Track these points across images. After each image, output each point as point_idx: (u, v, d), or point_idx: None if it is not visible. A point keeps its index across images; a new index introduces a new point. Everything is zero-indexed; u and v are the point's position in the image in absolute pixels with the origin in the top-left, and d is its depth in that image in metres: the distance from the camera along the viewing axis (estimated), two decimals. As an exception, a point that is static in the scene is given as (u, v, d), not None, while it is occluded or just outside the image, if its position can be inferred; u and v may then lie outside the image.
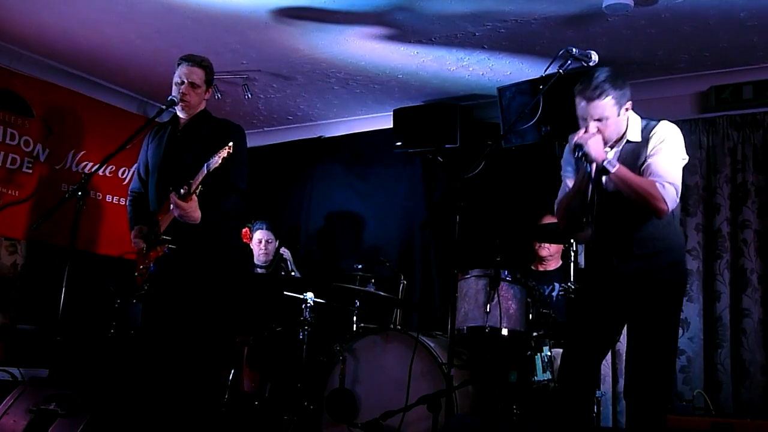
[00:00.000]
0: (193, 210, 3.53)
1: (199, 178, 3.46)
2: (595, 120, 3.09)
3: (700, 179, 4.97)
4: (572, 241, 4.44)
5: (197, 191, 3.50)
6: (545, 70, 3.31)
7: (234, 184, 3.72)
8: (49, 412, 3.26)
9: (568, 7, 4.34)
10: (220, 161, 3.39)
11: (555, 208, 3.37)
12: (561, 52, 3.21)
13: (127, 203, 4.05)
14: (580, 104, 3.12)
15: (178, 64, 3.84)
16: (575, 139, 3.09)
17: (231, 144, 3.39)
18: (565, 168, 3.36)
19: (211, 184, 3.54)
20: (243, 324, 4.98)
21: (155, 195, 3.83)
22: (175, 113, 3.91)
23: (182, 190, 3.51)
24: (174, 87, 3.82)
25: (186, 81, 3.80)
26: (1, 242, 5.41)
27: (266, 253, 5.70)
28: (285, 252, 5.74)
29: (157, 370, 3.68)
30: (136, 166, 4.07)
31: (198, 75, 3.81)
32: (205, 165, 3.43)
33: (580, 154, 3.06)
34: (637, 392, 3.06)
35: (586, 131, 3.09)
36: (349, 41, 4.96)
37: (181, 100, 3.81)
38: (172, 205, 3.55)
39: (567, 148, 3.32)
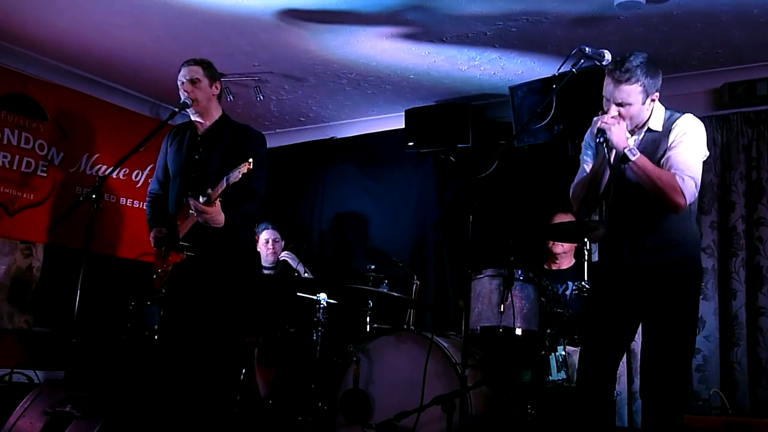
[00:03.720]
0: (217, 213, 3.55)
1: (219, 190, 3.49)
2: (617, 104, 3.03)
3: (714, 177, 4.94)
4: (585, 239, 4.42)
5: (217, 201, 3.53)
6: (558, 69, 3.28)
7: (253, 189, 3.74)
8: (65, 414, 3.27)
9: (579, 6, 4.32)
10: (240, 176, 3.43)
11: (570, 192, 3.33)
12: (574, 51, 3.19)
13: (146, 204, 4.07)
14: (608, 85, 3.05)
15: (179, 73, 3.88)
16: (599, 123, 3.02)
17: (251, 160, 3.43)
18: (584, 151, 3.32)
19: (231, 190, 3.57)
20: (253, 325, 5.00)
21: (175, 199, 3.85)
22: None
23: (201, 199, 3.53)
24: (180, 93, 3.86)
25: (185, 80, 3.83)
26: (17, 245, 5.44)
27: (274, 253, 5.72)
28: (287, 255, 5.76)
29: (173, 372, 3.71)
30: (156, 167, 4.10)
31: (195, 71, 3.83)
32: (225, 178, 3.46)
33: (602, 139, 3.00)
34: (653, 392, 3.02)
35: (607, 113, 3.04)
36: (360, 42, 4.97)
37: (189, 100, 3.83)
38: (194, 211, 3.57)
39: (589, 132, 3.27)
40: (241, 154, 3.58)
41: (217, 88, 3.92)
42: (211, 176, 3.63)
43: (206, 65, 3.89)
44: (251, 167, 3.43)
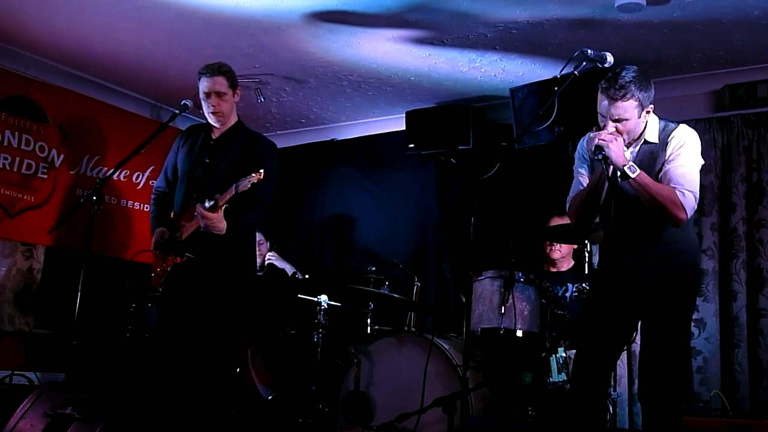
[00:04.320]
0: (219, 221, 3.56)
1: (227, 197, 3.50)
2: (613, 120, 3.04)
3: (715, 178, 4.94)
4: (586, 241, 4.42)
5: (222, 208, 3.53)
6: (560, 71, 3.29)
7: (259, 197, 3.74)
8: (65, 416, 3.28)
9: (580, 8, 4.32)
10: (249, 185, 3.44)
11: (567, 205, 3.34)
12: (576, 53, 3.19)
13: (151, 201, 4.07)
14: (602, 102, 3.07)
15: (199, 79, 3.85)
16: (596, 140, 3.02)
17: (262, 171, 3.43)
18: (578, 164, 3.32)
19: (238, 197, 3.57)
20: (246, 326, 4.99)
21: (181, 200, 3.86)
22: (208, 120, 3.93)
23: (207, 203, 3.54)
24: (203, 103, 3.85)
25: (212, 93, 3.81)
26: (18, 247, 5.44)
27: (260, 255, 5.71)
28: (272, 257, 5.75)
29: (171, 374, 3.70)
30: (164, 164, 4.09)
31: (220, 83, 3.81)
32: (234, 186, 3.47)
33: (600, 156, 3.00)
34: (652, 394, 3.04)
35: (604, 128, 3.05)
36: (361, 44, 4.97)
37: (213, 113, 3.83)
38: (197, 216, 3.58)
39: (582, 145, 3.28)
40: (251, 162, 3.59)
41: (237, 95, 3.92)
42: (219, 181, 3.63)
43: (228, 74, 3.86)
44: (261, 177, 3.43)
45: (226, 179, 3.56)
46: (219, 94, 3.81)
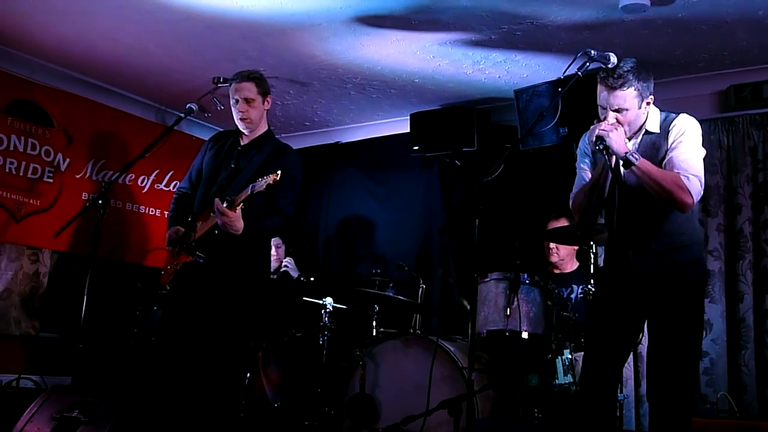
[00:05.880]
0: (237, 219, 3.55)
1: (242, 196, 3.51)
2: (613, 110, 3.04)
3: (720, 179, 4.92)
4: (591, 242, 4.41)
5: (239, 207, 3.54)
6: (564, 72, 3.29)
7: (279, 206, 3.75)
8: (72, 420, 3.29)
9: (584, 9, 4.32)
10: (264, 186, 3.44)
11: (570, 202, 3.32)
12: (579, 54, 3.19)
13: (172, 201, 4.08)
14: (602, 93, 3.06)
15: (230, 85, 3.88)
16: (597, 131, 3.01)
17: (279, 172, 3.43)
18: (581, 159, 3.31)
19: (256, 202, 3.58)
20: (257, 329, 5.00)
21: (200, 201, 3.87)
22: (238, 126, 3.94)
23: (225, 202, 3.55)
24: (232, 109, 3.87)
25: (240, 98, 3.81)
26: (24, 251, 5.46)
27: (278, 259, 5.72)
28: (288, 264, 5.76)
29: (176, 376, 3.71)
30: (190, 167, 4.11)
31: (249, 89, 3.82)
32: (251, 186, 3.48)
33: (602, 146, 2.98)
34: (661, 395, 3.02)
35: (604, 120, 3.04)
36: (364, 46, 4.97)
37: (242, 119, 3.84)
38: (215, 213, 3.57)
39: (584, 139, 3.27)
40: (274, 171, 3.59)
41: (268, 103, 3.93)
42: (240, 186, 3.63)
43: (258, 81, 3.87)
44: (278, 179, 3.43)
45: (247, 185, 3.56)
46: (247, 101, 3.81)
